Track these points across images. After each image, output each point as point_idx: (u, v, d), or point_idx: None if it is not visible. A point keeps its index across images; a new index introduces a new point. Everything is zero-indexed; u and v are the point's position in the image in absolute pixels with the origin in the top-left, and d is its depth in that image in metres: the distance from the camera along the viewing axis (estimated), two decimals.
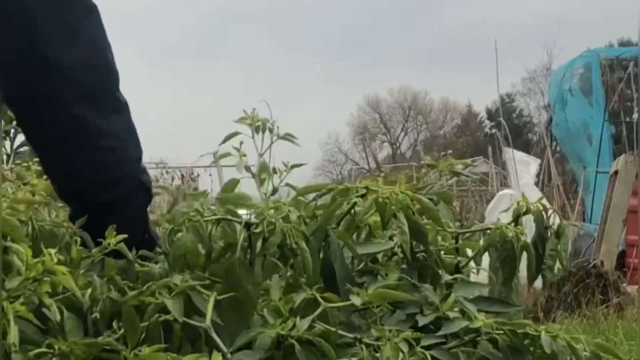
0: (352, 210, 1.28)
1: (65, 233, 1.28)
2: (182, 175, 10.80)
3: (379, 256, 1.32)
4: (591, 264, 6.41)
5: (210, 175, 10.35)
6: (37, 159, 1.61)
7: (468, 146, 32.06)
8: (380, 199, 1.24)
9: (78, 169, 1.36)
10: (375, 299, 1.11)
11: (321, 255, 1.21)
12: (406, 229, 1.21)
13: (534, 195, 7.26)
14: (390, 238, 1.34)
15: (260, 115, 1.72)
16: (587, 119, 10.92)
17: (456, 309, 1.17)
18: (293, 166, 1.71)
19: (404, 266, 1.29)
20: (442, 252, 1.40)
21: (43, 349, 1.01)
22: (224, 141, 1.68)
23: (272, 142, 1.69)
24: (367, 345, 1.08)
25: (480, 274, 1.43)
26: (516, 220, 1.40)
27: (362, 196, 1.27)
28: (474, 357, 1.12)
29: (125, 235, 1.22)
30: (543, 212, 1.38)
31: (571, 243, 7.11)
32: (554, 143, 12.25)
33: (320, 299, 1.09)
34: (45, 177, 1.51)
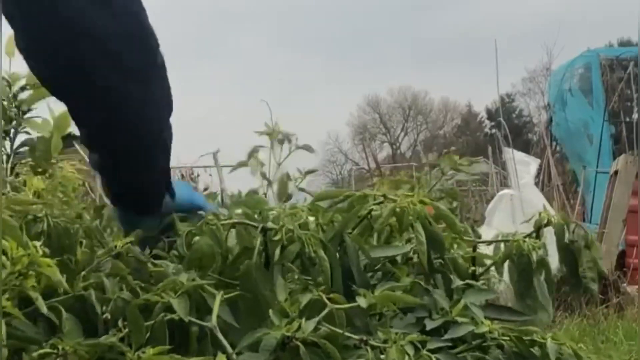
0: (369, 215, 1.27)
1: (79, 228, 1.28)
2: (182, 175, 10.79)
3: (398, 258, 1.32)
4: None
5: (210, 175, 10.33)
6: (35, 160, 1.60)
7: (468, 146, 32.04)
8: (397, 209, 1.24)
9: (114, 143, 1.32)
10: (382, 301, 1.11)
11: (339, 262, 1.21)
12: (423, 239, 1.21)
13: (534, 195, 7.26)
14: (408, 241, 1.34)
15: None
16: (587, 119, 10.91)
17: (466, 315, 1.17)
18: (307, 172, 1.73)
19: (419, 273, 1.29)
20: (459, 260, 1.39)
21: (47, 350, 1.01)
22: (249, 157, 1.69)
23: (290, 152, 1.71)
24: (373, 348, 1.07)
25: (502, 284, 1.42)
26: (537, 232, 1.37)
27: (379, 203, 1.27)
28: None
29: None
30: (565, 226, 1.35)
31: None
32: (554, 143, 12.23)
33: (326, 300, 1.08)
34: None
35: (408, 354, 1.05)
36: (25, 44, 1.26)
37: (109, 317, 1.10)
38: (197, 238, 1.22)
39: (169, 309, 1.06)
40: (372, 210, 1.26)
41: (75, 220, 1.29)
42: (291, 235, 1.16)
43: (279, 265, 1.16)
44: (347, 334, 1.07)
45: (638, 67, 10.38)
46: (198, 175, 10.99)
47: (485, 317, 1.17)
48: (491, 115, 34.46)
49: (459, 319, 1.15)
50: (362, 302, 1.09)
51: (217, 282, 1.15)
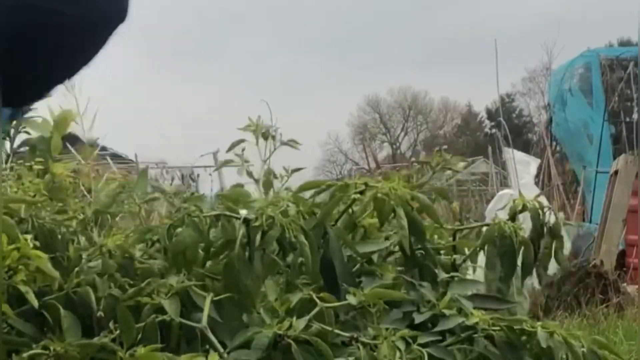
0: (350, 209, 1.28)
1: (66, 232, 1.28)
2: (182, 175, 10.80)
3: (375, 257, 1.32)
4: (591, 263, 6.41)
5: (210, 175, 10.35)
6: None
7: (468, 146, 32.04)
8: (379, 195, 1.24)
9: None
10: (372, 298, 1.11)
11: (320, 252, 1.22)
12: (405, 223, 1.21)
13: (534, 195, 7.25)
14: (386, 238, 1.34)
15: (260, 115, 1.73)
16: (587, 119, 10.90)
17: (454, 307, 1.17)
18: (294, 171, 1.73)
19: (401, 267, 1.29)
20: (440, 250, 1.40)
21: (38, 350, 1.01)
22: (229, 149, 1.69)
23: (274, 149, 1.71)
24: (364, 344, 1.08)
25: (477, 272, 1.43)
26: (513, 217, 1.39)
27: (361, 192, 1.27)
28: (471, 355, 1.12)
29: None
30: (540, 210, 1.37)
31: (571, 243, 7.10)
32: (554, 143, 12.23)
33: (316, 299, 1.09)
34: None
35: (399, 350, 1.05)
36: None
37: (103, 315, 1.10)
38: (179, 230, 1.22)
39: (159, 309, 1.07)
40: (354, 200, 1.26)
41: (61, 222, 1.30)
42: (271, 222, 1.16)
43: (259, 252, 1.16)
44: (337, 331, 1.07)
45: (638, 67, 10.37)
46: (198, 175, 11.00)
47: (473, 307, 1.17)
48: (491, 115, 34.45)
49: (447, 312, 1.15)
50: (352, 300, 1.09)
51: (201, 275, 1.16)
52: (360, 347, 1.06)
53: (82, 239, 1.32)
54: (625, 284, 6.48)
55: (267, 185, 1.66)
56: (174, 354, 1.01)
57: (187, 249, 1.17)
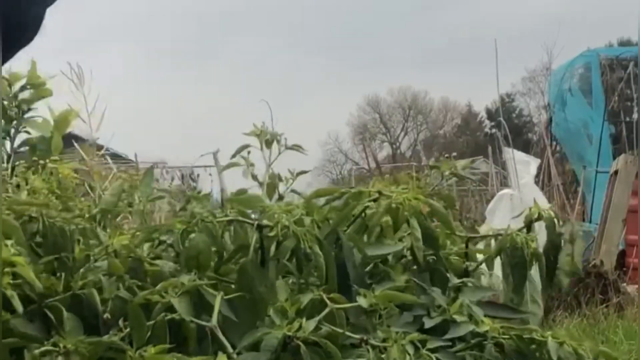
0: (364, 213, 1.28)
1: (75, 229, 1.28)
2: (182, 175, 10.79)
3: (390, 257, 1.32)
4: (591, 263, 6.41)
5: (210, 175, 10.33)
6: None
7: (468, 146, 32.05)
8: (393, 205, 1.24)
9: None
10: (382, 300, 1.11)
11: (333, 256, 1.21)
12: (419, 234, 1.21)
13: (534, 195, 7.26)
14: (400, 240, 1.34)
15: (261, 115, 1.73)
16: (587, 119, 10.90)
17: (464, 313, 1.16)
18: (299, 173, 1.73)
19: (414, 267, 1.29)
20: (452, 256, 1.40)
21: (48, 347, 1.01)
22: (234, 155, 1.69)
23: (279, 153, 1.71)
24: (374, 347, 1.07)
25: (493, 278, 1.42)
26: (528, 226, 1.38)
27: (375, 200, 1.27)
28: None
29: None
30: (555, 219, 1.36)
31: None
32: (554, 143, 12.22)
33: (327, 300, 1.08)
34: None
35: (409, 354, 1.05)
36: None
37: (109, 316, 1.10)
38: (192, 235, 1.22)
39: (169, 308, 1.06)
40: (367, 207, 1.26)
41: (71, 220, 1.29)
42: (286, 232, 1.15)
43: (274, 262, 1.16)
44: (347, 333, 1.07)
45: (638, 67, 10.37)
46: (198, 175, 10.99)
47: (484, 315, 1.17)
48: (491, 115, 34.47)
49: (458, 318, 1.15)
50: (362, 302, 1.08)
51: (214, 279, 1.15)
52: (370, 349, 1.05)
53: (90, 238, 1.32)
54: (625, 284, 6.48)
55: (272, 188, 1.66)
56: (184, 354, 1.00)
57: (200, 254, 1.17)
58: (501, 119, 10.55)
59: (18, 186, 1.59)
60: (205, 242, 1.18)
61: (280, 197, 1.73)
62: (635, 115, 12.29)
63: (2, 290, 1.05)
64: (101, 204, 1.62)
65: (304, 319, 1.05)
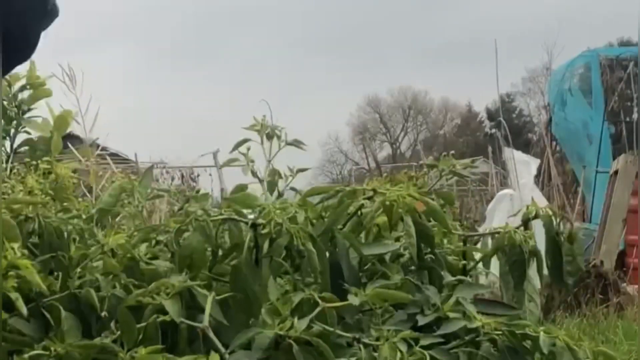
0: (359, 212, 1.27)
1: (72, 229, 1.28)
2: (182, 175, 10.79)
3: (387, 257, 1.32)
4: (591, 263, 6.40)
5: (210, 175, 10.33)
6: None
7: (468, 146, 32.03)
8: (387, 202, 1.24)
9: None
10: (374, 298, 1.11)
11: (327, 255, 1.21)
12: (413, 232, 1.21)
13: (534, 195, 7.25)
14: (397, 239, 1.34)
15: (260, 115, 1.73)
16: (587, 119, 10.89)
17: (458, 311, 1.16)
18: (299, 170, 1.73)
19: (412, 267, 1.29)
20: (450, 255, 1.39)
21: (39, 351, 1.01)
22: (234, 149, 1.69)
23: (279, 149, 1.71)
24: (366, 345, 1.07)
25: (492, 277, 1.42)
26: (525, 224, 1.38)
27: (369, 198, 1.27)
28: (475, 358, 1.11)
29: None
30: (552, 218, 1.36)
31: None
32: (554, 143, 12.21)
33: (318, 299, 1.08)
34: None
35: (401, 351, 1.05)
36: None
37: (107, 315, 1.10)
38: (187, 234, 1.21)
39: (161, 310, 1.06)
40: (362, 205, 1.26)
41: (67, 220, 1.29)
42: (280, 229, 1.15)
43: (267, 259, 1.16)
44: (339, 332, 1.07)
45: (638, 67, 10.36)
46: (198, 175, 11.00)
47: (477, 312, 1.17)
48: (491, 115, 34.44)
49: (451, 315, 1.15)
50: (354, 300, 1.08)
51: (208, 279, 1.15)
52: (362, 348, 1.05)
53: (87, 238, 1.32)
54: (625, 284, 6.47)
55: (272, 185, 1.66)
56: (176, 355, 1.00)
57: (194, 252, 1.17)
58: (501, 119, 10.55)
59: (13, 188, 1.59)
60: (199, 241, 1.18)
61: (280, 195, 1.73)
62: (635, 115, 12.28)
63: (4, 293, 1.05)
64: (99, 204, 1.62)
65: (296, 318, 1.05)
